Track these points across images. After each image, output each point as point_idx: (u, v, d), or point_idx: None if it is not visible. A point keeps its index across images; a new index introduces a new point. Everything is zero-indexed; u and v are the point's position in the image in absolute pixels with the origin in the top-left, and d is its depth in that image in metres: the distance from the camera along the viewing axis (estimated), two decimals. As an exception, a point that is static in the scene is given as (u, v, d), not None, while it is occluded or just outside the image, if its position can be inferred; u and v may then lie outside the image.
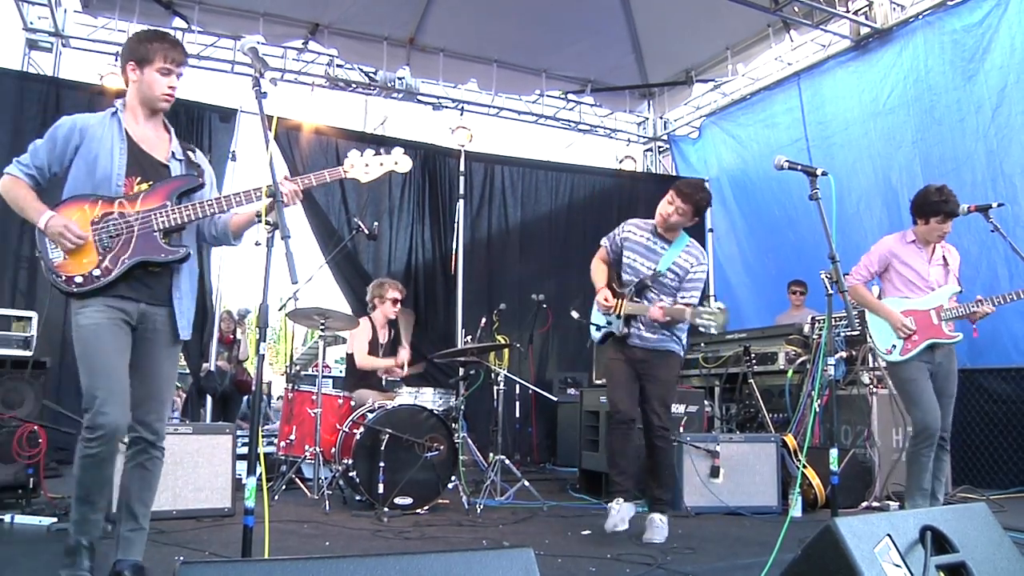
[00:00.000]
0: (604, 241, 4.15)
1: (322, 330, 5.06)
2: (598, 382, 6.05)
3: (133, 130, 2.69)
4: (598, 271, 4.09)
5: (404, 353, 5.60)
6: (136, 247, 2.60)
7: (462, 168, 8.41)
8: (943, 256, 4.22)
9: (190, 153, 2.81)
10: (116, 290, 2.58)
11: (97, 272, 2.56)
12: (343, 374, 6.03)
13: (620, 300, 3.89)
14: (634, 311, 3.85)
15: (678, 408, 5.24)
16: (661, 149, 10.34)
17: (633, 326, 3.91)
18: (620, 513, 3.71)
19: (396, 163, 2.77)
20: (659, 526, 3.78)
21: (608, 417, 3.96)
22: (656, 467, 3.96)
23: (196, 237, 2.85)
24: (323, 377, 4.96)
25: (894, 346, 4.16)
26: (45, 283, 6.90)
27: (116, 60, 7.40)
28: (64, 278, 2.57)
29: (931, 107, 6.57)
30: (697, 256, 3.97)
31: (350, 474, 4.45)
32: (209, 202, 2.67)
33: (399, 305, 5.77)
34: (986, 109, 6.13)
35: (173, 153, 2.77)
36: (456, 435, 4.70)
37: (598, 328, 4.07)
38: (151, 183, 2.66)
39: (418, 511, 4.41)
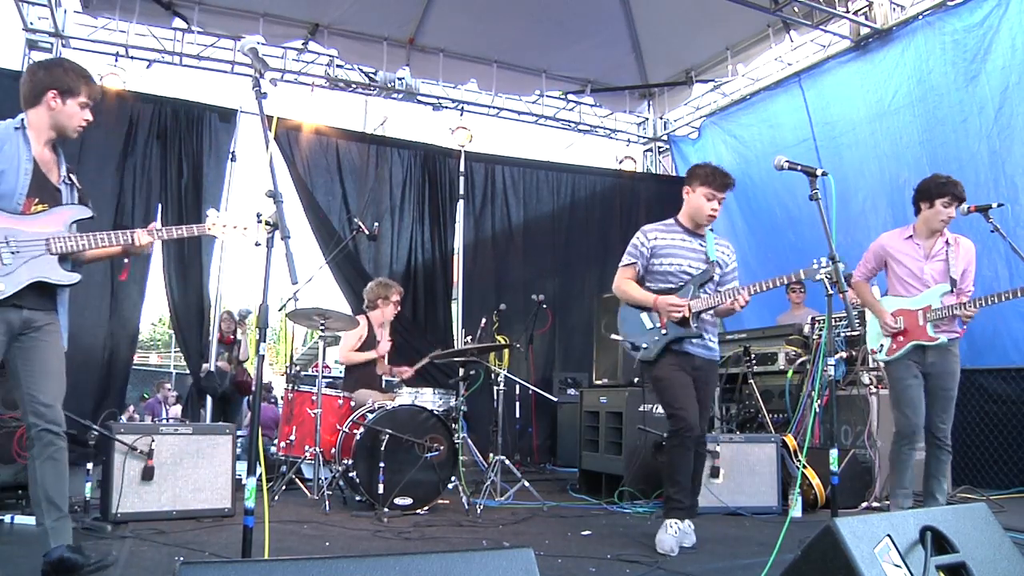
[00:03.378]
0: (629, 259, 3.77)
1: (322, 330, 5.06)
2: (598, 382, 6.04)
3: (36, 151, 2.81)
4: (634, 288, 3.72)
5: (385, 345, 5.63)
6: (34, 267, 2.71)
7: (462, 168, 8.42)
8: (945, 252, 4.11)
9: (73, 177, 2.96)
10: (6, 299, 2.68)
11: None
12: (342, 375, 6.03)
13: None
14: (705, 305, 3.55)
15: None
16: (661, 149, 10.33)
17: (698, 329, 3.60)
18: (680, 534, 3.50)
19: (246, 228, 2.80)
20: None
21: (671, 432, 3.59)
22: (696, 476, 3.76)
23: None
24: (323, 377, 4.96)
25: (882, 345, 4.19)
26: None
27: (116, 61, 7.41)
28: None
29: (934, 108, 6.56)
30: (729, 246, 3.88)
31: (350, 474, 4.45)
32: (101, 235, 2.84)
33: (399, 308, 5.80)
34: (988, 110, 6.12)
35: (63, 178, 2.91)
36: (456, 435, 4.70)
37: (656, 340, 3.62)
38: (47, 205, 2.81)
39: (418, 511, 4.41)
